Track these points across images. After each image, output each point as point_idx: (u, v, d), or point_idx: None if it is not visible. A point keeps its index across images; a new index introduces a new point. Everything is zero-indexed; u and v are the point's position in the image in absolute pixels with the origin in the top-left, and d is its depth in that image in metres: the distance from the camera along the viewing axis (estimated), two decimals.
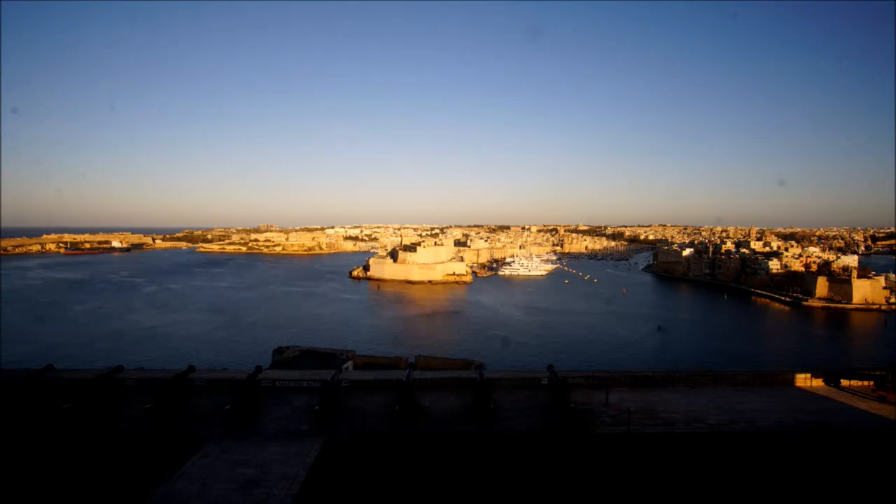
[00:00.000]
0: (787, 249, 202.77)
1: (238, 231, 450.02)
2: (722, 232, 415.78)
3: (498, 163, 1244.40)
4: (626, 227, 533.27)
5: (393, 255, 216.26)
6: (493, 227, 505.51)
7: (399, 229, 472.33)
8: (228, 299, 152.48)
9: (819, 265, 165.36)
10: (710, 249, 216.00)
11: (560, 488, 17.91)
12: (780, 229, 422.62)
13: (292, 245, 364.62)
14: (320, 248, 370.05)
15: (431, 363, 62.50)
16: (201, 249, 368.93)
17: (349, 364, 58.29)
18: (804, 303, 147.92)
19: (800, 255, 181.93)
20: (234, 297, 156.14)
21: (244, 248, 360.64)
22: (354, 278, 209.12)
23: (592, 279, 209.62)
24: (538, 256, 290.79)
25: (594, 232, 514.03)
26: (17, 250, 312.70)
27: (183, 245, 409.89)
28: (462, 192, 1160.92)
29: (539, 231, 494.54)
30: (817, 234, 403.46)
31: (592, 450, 21.51)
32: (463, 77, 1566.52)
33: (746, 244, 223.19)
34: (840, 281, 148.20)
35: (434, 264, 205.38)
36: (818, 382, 30.87)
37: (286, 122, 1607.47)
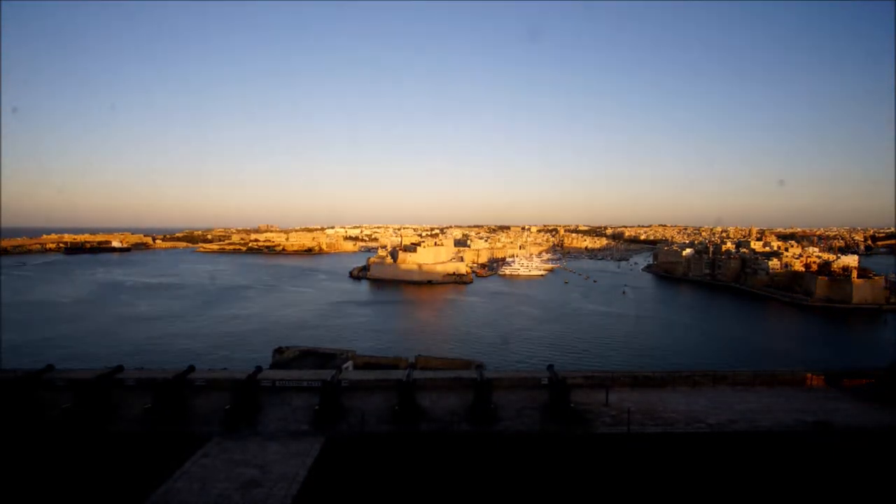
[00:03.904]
0: (787, 249, 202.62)
1: (238, 231, 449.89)
2: (722, 232, 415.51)
3: (498, 163, 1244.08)
4: (626, 227, 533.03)
5: (393, 255, 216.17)
6: (493, 227, 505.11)
7: (399, 229, 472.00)
8: (228, 299, 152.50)
9: (819, 265, 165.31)
10: (710, 249, 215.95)
11: (560, 488, 17.90)
12: (780, 229, 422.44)
13: (292, 245, 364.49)
14: (320, 248, 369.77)
15: (431, 363, 62.49)
16: (201, 249, 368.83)
17: (349, 364, 58.27)
18: (804, 303, 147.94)
19: (800, 255, 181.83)
20: (234, 298, 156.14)
21: (244, 248, 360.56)
22: (354, 278, 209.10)
23: (593, 279, 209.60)
24: (538, 256, 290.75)
25: (594, 232, 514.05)
26: (17, 250, 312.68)
27: (183, 245, 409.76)
28: (462, 192, 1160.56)
29: (539, 231, 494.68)
30: (817, 234, 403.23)
31: (592, 449, 21.51)
32: (462, 77, 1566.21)
33: (746, 244, 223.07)
34: (840, 281, 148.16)
35: (434, 264, 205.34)
36: (818, 382, 30.82)
37: (286, 122, 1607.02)
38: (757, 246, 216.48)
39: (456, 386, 28.75)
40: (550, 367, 28.81)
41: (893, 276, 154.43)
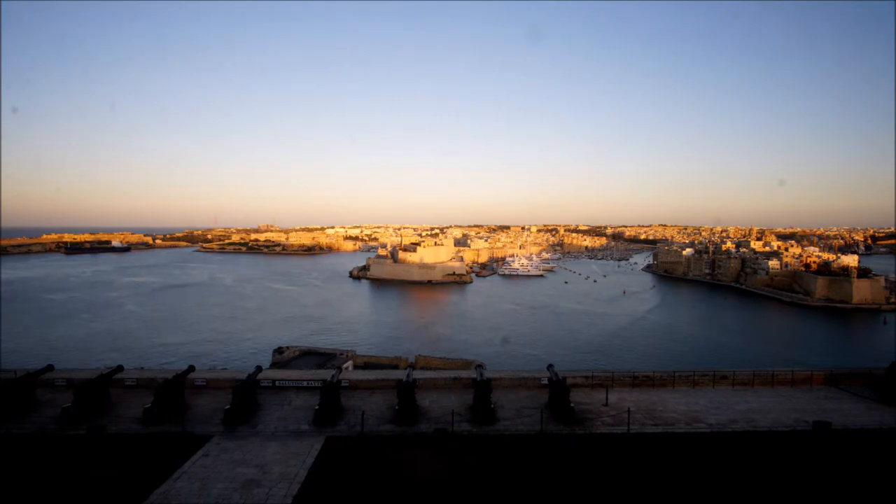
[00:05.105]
0: (787, 249, 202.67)
1: (238, 231, 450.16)
2: (722, 232, 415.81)
3: (498, 162, 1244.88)
4: (626, 227, 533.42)
5: (393, 254, 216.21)
6: (493, 227, 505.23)
7: (399, 229, 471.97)
8: (228, 299, 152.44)
9: (819, 265, 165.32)
10: (710, 249, 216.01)
11: (560, 488, 17.90)
12: (780, 229, 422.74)
13: (292, 244, 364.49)
14: (320, 248, 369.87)
15: (431, 363, 62.65)
16: (202, 249, 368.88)
17: (349, 364, 58.39)
18: (804, 302, 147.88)
19: (800, 255, 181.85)
20: (235, 298, 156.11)
21: (244, 248, 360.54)
22: (354, 278, 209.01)
23: (592, 279, 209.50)
24: (538, 256, 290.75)
25: (594, 232, 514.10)
26: (17, 250, 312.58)
27: (183, 245, 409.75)
28: (462, 192, 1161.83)
29: (539, 231, 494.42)
30: (817, 234, 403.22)
31: (592, 449, 21.49)
32: (463, 77, 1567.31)
33: (746, 244, 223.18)
34: (840, 280, 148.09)
35: (434, 264, 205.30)
36: (818, 382, 30.83)
37: (286, 122, 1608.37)
38: (757, 246, 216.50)
39: (456, 386, 28.74)
40: (550, 366, 28.77)
41: (893, 276, 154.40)
